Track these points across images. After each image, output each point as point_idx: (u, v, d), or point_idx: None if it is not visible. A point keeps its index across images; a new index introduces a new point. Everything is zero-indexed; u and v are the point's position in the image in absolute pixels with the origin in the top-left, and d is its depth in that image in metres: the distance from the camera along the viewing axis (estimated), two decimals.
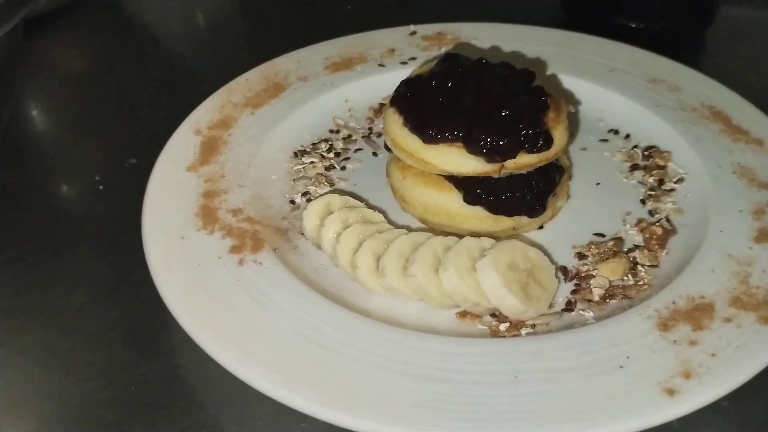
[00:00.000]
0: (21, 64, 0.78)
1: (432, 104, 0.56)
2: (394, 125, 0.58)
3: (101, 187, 0.69)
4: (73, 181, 0.71)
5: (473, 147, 0.54)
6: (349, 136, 0.71)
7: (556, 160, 0.58)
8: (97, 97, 0.84)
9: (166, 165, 0.63)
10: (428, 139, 0.55)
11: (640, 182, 0.63)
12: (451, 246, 0.53)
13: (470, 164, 0.54)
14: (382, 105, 0.74)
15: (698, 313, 0.48)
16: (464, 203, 0.56)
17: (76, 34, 0.98)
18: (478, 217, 0.56)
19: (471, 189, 0.56)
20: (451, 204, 0.56)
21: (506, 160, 0.54)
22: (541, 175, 0.56)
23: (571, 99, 0.71)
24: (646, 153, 0.65)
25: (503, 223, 0.56)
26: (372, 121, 0.73)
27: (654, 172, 0.63)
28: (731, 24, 0.91)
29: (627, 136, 0.68)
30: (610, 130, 0.69)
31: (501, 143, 0.53)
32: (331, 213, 0.57)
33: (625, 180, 0.64)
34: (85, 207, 0.68)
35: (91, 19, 1.00)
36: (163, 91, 0.84)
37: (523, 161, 0.54)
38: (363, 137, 0.71)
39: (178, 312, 0.49)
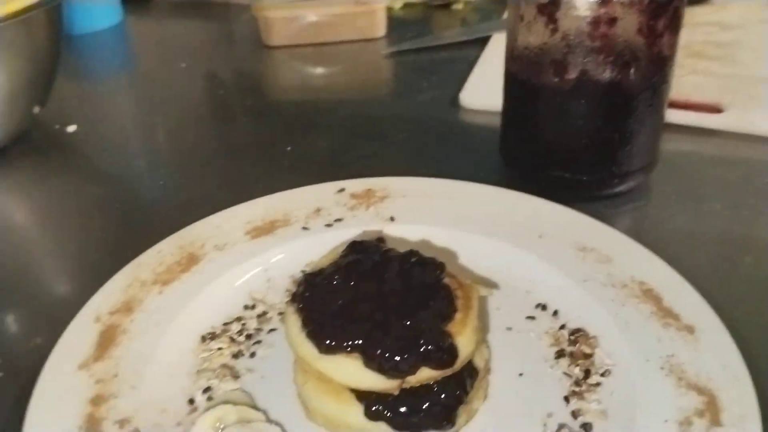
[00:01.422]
0: None
1: (330, 307, 0.53)
2: (293, 327, 0.54)
3: (1, 374, 0.65)
4: None
5: (371, 362, 0.50)
6: (264, 313, 0.67)
7: (469, 361, 0.54)
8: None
9: (57, 361, 0.59)
10: (324, 349, 0.51)
11: (565, 373, 0.59)
12: None
13: (368, 378, 0.50)
14: (303, 272, 0.70)
15: None
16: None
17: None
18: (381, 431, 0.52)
19: (371, 404, 0.51)
20: (352, 418, 0.52)
21: (406, 376, 0.50)
22: (448, 385, 0.52)
23: (489, 281, 0.68)
24: (572, 337, 0.62)
25: None
26: (291, 293, 0.69)
27: (580, 361, 0.59)
28: (675, 163, 0.90)
29: (555, 313, 0.65)
30: (538, 305, 0.66)
31: (399, 360, 0.49)
32: (223, 428, 0.52)
33: (550, 369, 0.60)
34: None
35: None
36: (99, 248, 0.81)
37: (425, 375, 0.50)
38: (279, 314, 0.67)
39: None
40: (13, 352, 0.67)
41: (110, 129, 1.08)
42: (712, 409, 0.52)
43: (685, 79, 1.06)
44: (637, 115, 0.77)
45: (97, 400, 0.56)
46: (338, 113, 1.09)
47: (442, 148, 0.96)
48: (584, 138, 0.80)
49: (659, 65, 0.76)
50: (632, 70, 0.74)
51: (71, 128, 1.05)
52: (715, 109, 0.98)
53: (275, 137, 1.02)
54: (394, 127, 1.03)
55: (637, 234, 0.76)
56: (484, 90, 1.08)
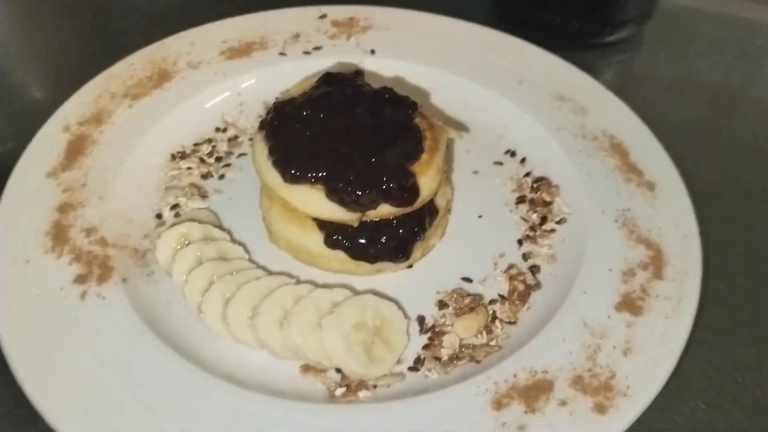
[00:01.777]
0: None
1: (298, 138, 0.53)
2: (260, 154, 0.54)
3: None
4: None
5: (333, 194, 0.51)
6: (236, 137, 0.67)
7: (431, 200, 0.55)
8: None
9: (25, 168, 0.59)
10: (289, 178, 0.52)
11: (523, 218, 0.61)
12: (302, 297, 0.51)
13: (330, 209, 0.52)
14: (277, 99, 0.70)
15: (535, 392, 0.47)
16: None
17: None
18: (339, 259, 0.54)
19: (331, 233, 0.53)
20: (312, 244, 0.54)
21: (366, 210, 0.51)
22: (408, 221, 0.54)
23: (461, 125, 0.68)
24: (535, 185, 0.63)
25: (365, 267, 0.54)
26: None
27: (539, 208, 0.61)
28: (670, 16, 0.87)
29: (523, 161, 0.66)
30: (507, 151, 0.66)
31: (360, 195, 0.50)
32: (188, 244, 0.54)
33: (509, 214, 0.62)
34: None
35: None
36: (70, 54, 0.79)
37: (385, 211, 0.52)
38: (250, 139, 0.67)
39: (8, 348, 0.48)
40: None
41: None
42: (656, 263, 0.55)
43: None
44: None
45: (64, 208, 0.57)
46: None
47: None
48: None
49: None
50: None
51: None
52: None
53: None
54: None
55: (621, 87, 0.76)
56: None
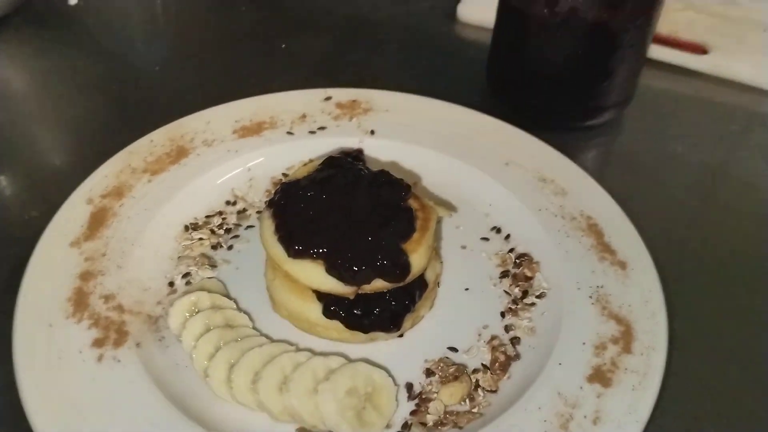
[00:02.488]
0: None
1: (302, 217, 0.59)
2: (267, 231, 0.60)
3: None
4: None
5: (332, 269, 0.56)
6: (244, 210, 0.73)
7: (421, 275, 0.61)
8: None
9: (51, 237, 0.65)
10: (292, 253, 0.57)
11: (506, 291, 0.66)
12: (301, 363, 0.56)
13: (329, 283, 0.57)
14: (284, 175, 0.76)
15: None
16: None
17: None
18: (336, 328, 0.59)
19: (329, 304, 0.58)
20: (312, 314, 0.59)
21: (362, 284, 0.56)
22: (399, 294, 0.59)
23: (450, 204, 0.74)
24: (518, 261, 0.68)
25: (359, 336, 0.59)
26: (270, 194, 0.74)
27: (521, 282, 0.66)
28: (651, 99, 0.93)
29: (507, 237, 0.71)
30: (493, 228, 0.72)
31: (356, 271, 0.55)
32: (198, 311, 0.59)
33: (493, 287, 0.67)
34: None
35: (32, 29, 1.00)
36: (94, 127, 0.86)
37: (379, 285, 0.57)
38: (258, 212, 0.73)
39: (31, 411, 0.52)
40: (9, 222, 0.73)
41: (110, 6, 1.09)
42: (626, 337, 0.60)
43: (680, 15, 1.07)
44: (618, 54, 0.80)
45: (85, 276, 0.62)
46: (336, 13, 1.10)
47: (432, 61, 0.99)
48: (565, 71, 0.83)
49: (645, 7, 0.78)
50: (619, 11, 0.77)
51: (73, 1, 1.06)
52: (701, 50, 1.00)
53: (273, 32, 1.04)
54: (389, 34, 1.05)
55: (601, 167, 0.82)
56: (482, 4, 1.08)
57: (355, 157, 0.68)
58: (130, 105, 0.89)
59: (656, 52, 0.98)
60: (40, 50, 0.98)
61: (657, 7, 0.79)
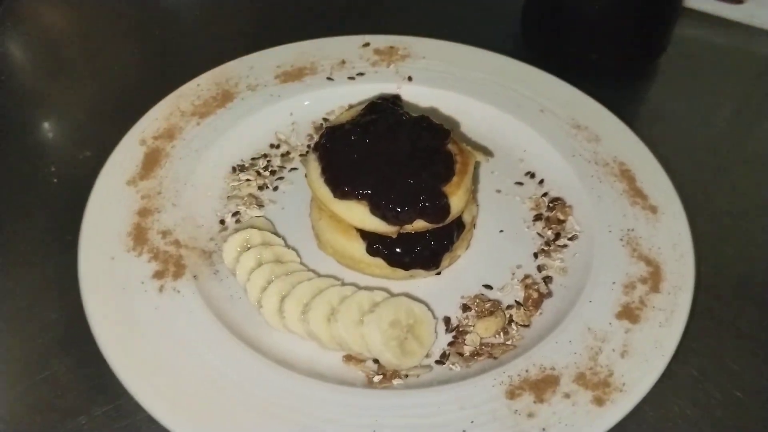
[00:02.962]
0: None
1: (347, 160, 0.61)
2: (314, 172, 0.63)
3: (55, 180, 0.75)
4: (29, 169, 0.76)
5: (376, 210, 0.59)
6: (288, 153, 0.76)
7: (459, 217, 0.64)
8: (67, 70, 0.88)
9: (108, 176, 0.69)
10: (339, 194, 0.61)
11: (539, 234, 0.69)
12: (347, 297, 0.60)
13: (373, 222, 0.60)
14: (325, 120, 0.79)
15: (544, 385, 0.56)
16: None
17: None
18: (378, 265, 0.63)
19: (372, 242, 0.62)
20: (356, 251, 0.63)
21: (404, 224, 0.60)
22: (438, 234, 0.62)
23: (487, 150, 0.76)
24: (551, 204, 0.71)
25: (400, 272, 0.63)
26: (312, 137, 0.77)
27: (553, 225, 0.69)
28: (685, 49, 0.94)
29: (541, 182, 0.74)
30: (528, 173, 0.75)
31: (399, 211, 0.59)
32: (250, 248, 0.63)
33: (526, 230, 0.70)
34: (38, 200, 0.73)
35: None
36: (139, 70, 0.88)
37: (420, 225, 0.60)
38: (300, 155, 0.76)
39: (100, 335, 0.57)
40: (65, 161, 0.77)
41: None
42: (655, 278, 0.63)
43: None
44: (654, 2, 0.81)
45: (143, 212, 0.66)
46: None
47: (467, 8, 1.00)
48: (600, 18, 0.84)
49: None
50: None
51: None
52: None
53: None
54: None
55: (634, 115, 0.84)
56: None
57: (393, 102, 0.70)
58: (173, 50, 0.92)
59: (692, 1, 0.97)
60: None
61: None
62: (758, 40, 0.96)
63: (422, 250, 0.62)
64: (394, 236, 0.61)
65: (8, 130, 0.80)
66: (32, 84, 0.88)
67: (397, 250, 0.62)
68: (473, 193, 0.68)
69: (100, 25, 0.97)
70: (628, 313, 0.60)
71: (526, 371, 0.57)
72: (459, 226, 0.64)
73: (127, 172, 0.69)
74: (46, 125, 0.82)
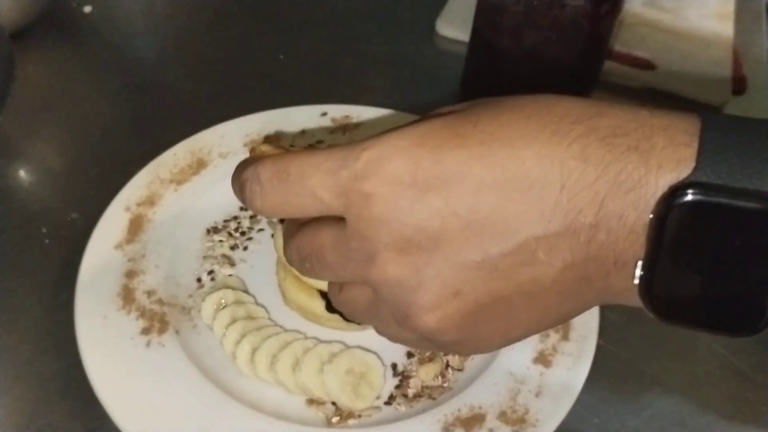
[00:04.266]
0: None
1: None
2: (280, 240, 0.74)
3: (47, 241, 0.84)
4: (22, 232, 0.85)
5: None
6: (255, 215, 0.86)
7: None
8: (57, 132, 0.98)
9: (97, 241, 0.78)
10: None
11: None
12: (309, 349, 0.71)
13: None
14: None
15: (473, 421, 0.68)
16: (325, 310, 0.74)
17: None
18: (336, 320, 0.74)
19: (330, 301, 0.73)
20: (316, 309, 0.74)
21: None
22: None
23: None
24: None
25: (354, 326, 0.74)
26: None
27: None
28: None
29: None
30: None
31: None
32: (225, 306, 0.74)
33: None
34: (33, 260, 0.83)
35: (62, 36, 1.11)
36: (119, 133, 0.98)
37: None
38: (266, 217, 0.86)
39: (95, 383, 0.67)
40: (55, 224, 0.86)
41: (123, 13, 1.20)
42: (565, 327, 0.75)
43: (635, 30, 1.20)
44: (578, 88, 0.94)
45: (130, 274, 0.76)
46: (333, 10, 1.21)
47: (412, 76, 1.12)
48: (531, 89, 0.97)
49: (597, 44, 0.92)
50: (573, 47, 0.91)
51: (87, 8, 1.17)
52: (648, 65, 1.14)
53: (270, 43, 1.16)
54: (375, 48, 1.17)
55: None
56: (461, 19, 1.18)
57: None
58: (149, 114, 1.02)
59: (607, 67, 1.10)
60: (63, 59, 1.09)
61: (605, 43, 0.94)
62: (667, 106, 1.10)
63: None
64: None
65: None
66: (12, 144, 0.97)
67: None
68: None
69: (80, 89, 1.06)
70: (543, 359, 0.72)
71: (459, 410, 0.68)
72: None
73: (114, 238, 0.79)
74: (32, 185, 0.91)
